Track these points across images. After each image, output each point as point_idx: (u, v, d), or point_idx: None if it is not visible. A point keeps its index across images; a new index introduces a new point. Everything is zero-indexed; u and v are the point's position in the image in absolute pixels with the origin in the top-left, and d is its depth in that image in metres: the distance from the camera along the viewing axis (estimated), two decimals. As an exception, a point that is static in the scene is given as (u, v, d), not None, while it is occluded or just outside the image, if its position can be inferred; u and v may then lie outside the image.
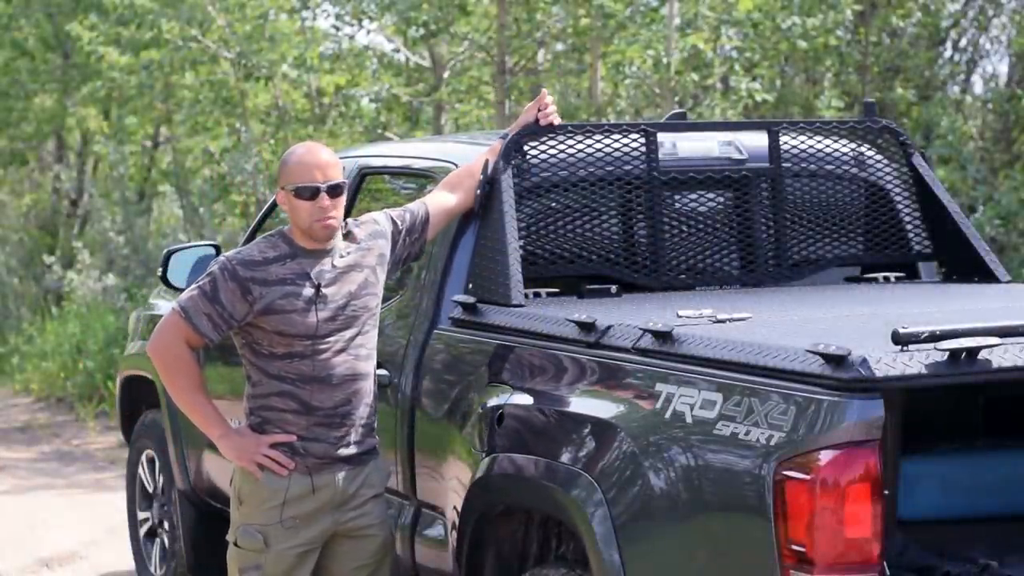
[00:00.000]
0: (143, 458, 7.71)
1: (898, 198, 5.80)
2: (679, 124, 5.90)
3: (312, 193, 4.77)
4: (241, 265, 4.78)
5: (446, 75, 15.25)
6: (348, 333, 4.81)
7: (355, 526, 4.88)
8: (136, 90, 17.27)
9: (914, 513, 4.31)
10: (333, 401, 4.80)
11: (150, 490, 7.66)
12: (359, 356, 4.85)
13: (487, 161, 5.29)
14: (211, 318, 4.76)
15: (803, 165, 5.70)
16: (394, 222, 5.07)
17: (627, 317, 4.61)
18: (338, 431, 4.81)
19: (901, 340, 3.78)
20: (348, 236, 4.93)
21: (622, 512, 4.20)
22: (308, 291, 4.77)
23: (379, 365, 5.41)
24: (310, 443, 4.80)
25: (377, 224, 5.03)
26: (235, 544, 4.86)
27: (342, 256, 4.86)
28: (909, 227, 5.79)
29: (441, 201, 5.23)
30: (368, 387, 4.88)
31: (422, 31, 14.20)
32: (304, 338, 4.76)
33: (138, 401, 7.86)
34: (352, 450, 4.84)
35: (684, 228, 5.56)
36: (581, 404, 4.51)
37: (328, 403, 4.79)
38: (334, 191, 4.79)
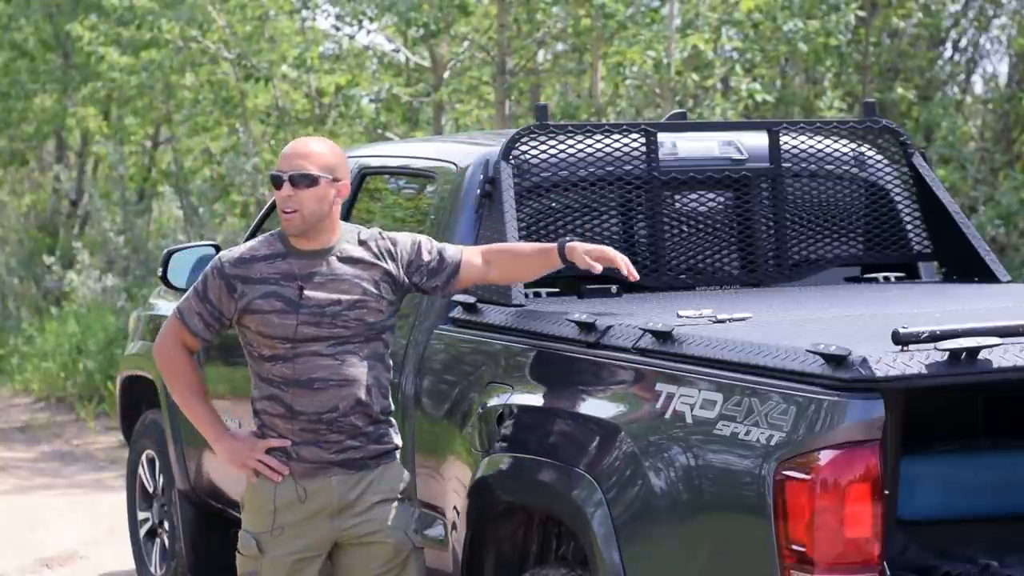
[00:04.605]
0: (143, 458, 7.70)
1: (898, 198, 5.79)
2: (679, 124, 5.90)
3: (276, 183, 4.63)
4: (229, 262, 4.66)
5: (446, 75, 15.24)
6: (335, 340, 4.60)
7: (359, 533, 4.67)
8: (136, 90, 17.27)
9: (914, 513, 4.31)
10: (315, 407, 4.60)
11: (150, 490, 7.65)
12: (346, 362, 4.61)
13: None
14: (203, 317, 4.68)
15: (803, 165, 5.71)
16: (419, 252, 4.75)
17: (627, 317, 4.61)
18: (328, 437, 4.62)
19: (901, 340, 3.78)
20: (363, 244, 4.71)
21: (622, 512, 4.20)
22: (290, 293, 4.60)
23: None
24: (301, 448, 4.63)
25: (396, 245, 4.74)
26: (238, 550, 4.76)
27: (342, 261, 4.67)
28: (909, 227, 5.79)
29: (478, 264, 4.83)
30: (363, 394, 4.63)
31: (422, 31, 14.19)
32: (283, 340, 4.59)
33: (138, 401, 7.85)
34: (350, 455, 4.65)
35: (684, 228, 5.56)
36: (581, 404, 4.51)
37: (310, 408, 4.60)
38: (297, 180, 4.58)
